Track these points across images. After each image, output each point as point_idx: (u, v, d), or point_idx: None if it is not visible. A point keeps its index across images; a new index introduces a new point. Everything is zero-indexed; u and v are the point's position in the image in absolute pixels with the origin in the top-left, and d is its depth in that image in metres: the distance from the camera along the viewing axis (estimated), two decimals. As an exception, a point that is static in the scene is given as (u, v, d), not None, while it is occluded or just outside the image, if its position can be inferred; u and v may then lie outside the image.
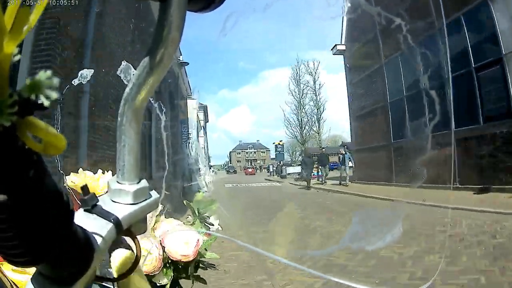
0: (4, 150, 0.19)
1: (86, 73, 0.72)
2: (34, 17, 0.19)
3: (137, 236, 0.38)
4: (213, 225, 0.89)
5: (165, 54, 0.29)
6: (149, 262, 0.72)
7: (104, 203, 0.33)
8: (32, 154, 0.20)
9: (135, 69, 0.33)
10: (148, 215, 0.75)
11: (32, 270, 0.29)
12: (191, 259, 0.77)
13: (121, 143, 0.33)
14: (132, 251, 0.41)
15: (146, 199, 0.35)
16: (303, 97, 34.14)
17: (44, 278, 0.28)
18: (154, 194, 0.36)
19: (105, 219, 0.32)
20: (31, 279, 0.29)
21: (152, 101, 0.61)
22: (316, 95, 34.67)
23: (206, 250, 0.84)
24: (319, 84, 35.06)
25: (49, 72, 0.19)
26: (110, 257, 0.43)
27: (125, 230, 0.34)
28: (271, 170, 37.35)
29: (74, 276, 0.29)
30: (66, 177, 0.76)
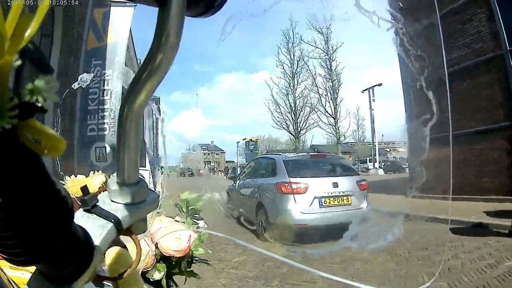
0: (5, 151, 0.19)
1: (86, 77, 0.73)
2: (35, 23, 0.19)
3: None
4: (202, 219, 0.92)
5: (164, 59, 0.29)
6: (142, 259, 0.74)
7: (104, 203, 0.34)
8: (32, 156, 0.21)
9: (134, 72, 0.33)
10: (148, 215, 0.76)
11: (32, 268, 0.30)
12: (183, 254, 0.79)
13: (120, 144, 0.33)
14: (126, 248, 0.42)
15: (145, 199, 0.36)
16: (298, 69, 22.48)
17: (44, 278, 0.29)
18: (154, 194, 0.37)
19: (105, 219, 0.32)
20: (31, 278, 0.30)
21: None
22: (329, 61, 22.09)
23: (199, 246, 0.86)
24: (332, 47, 22.42)
25: (49, 76, 0.19)
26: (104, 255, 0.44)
27: (125, 230, 0.34)
28: (237, 173, 28.59)
29: (74, 276, 0.29)
30: (66, 177, 0.77)
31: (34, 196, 0.22)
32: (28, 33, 0.19)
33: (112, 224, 0.32)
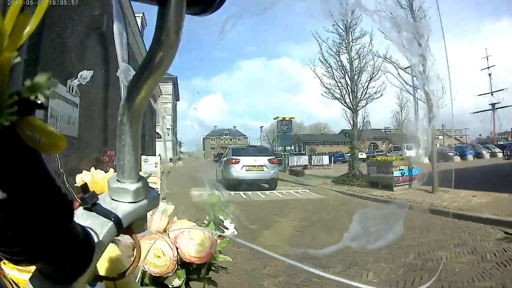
0: (4, 149, 0.19)
1: (86, 74, 0.73)
2: (34, 21, 0.19)
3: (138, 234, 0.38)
4: (227, 228, 0.87)
5: (164, 57, 0.29)
6: (163, 264, 0.71)
7: (104, 201, 0.34)
8: (32, 153, 0.21)
9: (134, 70, 0.33)
10: (158, 215, 0.75)
11: (33, 268, 0.30)
12: (204, 261, 0.76)
13: (120, 142, 0.33)
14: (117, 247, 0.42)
15: (146, 198, 0.36)
16: (353, 23, 14.36)
17: (44, 277, 0.29)
18: (154, 193, 0.37)
19: (105, 217, 0.32)
20: (31, 277, 0.30)
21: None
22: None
23: (220, 252, 0.83)
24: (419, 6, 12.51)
25: (48, 73, 0.19)
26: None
27: (125, 229, 0.34)
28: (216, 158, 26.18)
29: (74, 275, 0.29)
30: (77, 176, 0.76)
31: (33, 194, 0.22)
32: (27, 30, 0.19)
33: (112, 222, 0.32)
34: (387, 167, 10.64)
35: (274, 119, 26.11)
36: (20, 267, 0.51)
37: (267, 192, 11.55)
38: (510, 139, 41.00)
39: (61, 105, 5.98)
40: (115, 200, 0.34)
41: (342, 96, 15.08)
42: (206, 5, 0.31)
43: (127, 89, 0.32)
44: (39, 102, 0.19)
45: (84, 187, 0.33)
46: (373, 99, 15.12)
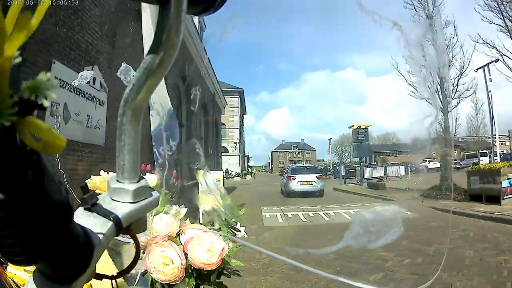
0: (4, 149, 0.19)
1: (86, 74, 0.73)
2: (35, 21, 0.19)
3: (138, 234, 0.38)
4: (239, 231, 0.87)
5: (165, 57, 0.29)
6: (171, 272, 0.71)
7: (104, 201, 0.34)
8: (32, 153, 0.21)
9: (135, 70, 0.33)
10: (171, 219, 0.74)
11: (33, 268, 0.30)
12: (214, 267, 0.75)
13: (121, 143, 0.33)
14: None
15: (146, 198, 0.36)
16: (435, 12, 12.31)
17: (44, 277, 0.29)
18: (154, 193, 0.37)
19: (105, 217, 0.32)
20: (30, 277, 0.29)
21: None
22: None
23: (230, 257, 0.81)
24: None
25: (48, 74, 0.19)
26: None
27: (125, 229, 0.34)
28: (342, 173, 23.29)
29: (73, 275, 0.29)
30: (90, 178, 0.75)
31: (33, 194, 0.22)
32: (28, 31, 0.19)
33: (112, 222, 0.32)
34: (493, 175, 8.88)
35: (349, 127, 24.78)
36: (27, 268, 0.51)
37: (351, 210, 9.86)
38: None
39: (79, 102, 4.83)
40: (115, 200, 0.34)
41: (432, 96, 12.37)
42: (207, 6, 0.31)
43: (127, 90, 0.32)
44: (39, 102, 0.19)
45: (84, 187, 0.33)
46: (465, 97, 13.50)
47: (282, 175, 20.55)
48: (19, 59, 0.19)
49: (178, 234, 0.77)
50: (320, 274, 0.56)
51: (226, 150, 37.47)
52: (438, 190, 11.94)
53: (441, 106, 12.71)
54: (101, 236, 0.31)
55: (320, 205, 11.20)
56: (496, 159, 13.00)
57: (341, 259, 4.77)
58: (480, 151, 27.39)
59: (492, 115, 13.28)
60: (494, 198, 8.60)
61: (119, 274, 0.38)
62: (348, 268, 4.49)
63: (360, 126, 22.82)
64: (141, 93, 0.31)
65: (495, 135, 13.43)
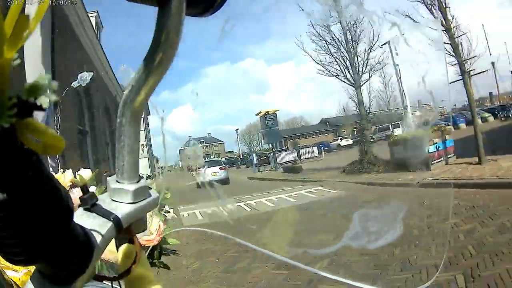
0: (4, 150, 0.19)
1: (86, 76, 0.73)
2: (34, 23, 0.19)
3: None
4: (169, 212, 0.94)
5: (164, 58, 0.29)
6: (112, 249, 0.74)
7: (104, 202, 0.34)
8: (31, 155, 0.21)
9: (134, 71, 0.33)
10: (148, 214, 0.77)
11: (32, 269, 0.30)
12: (154, 243, 0.81)
13: (120, 143, 0.33)
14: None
15: (145, 198, 0.36)
16: None
17: (43, 277, 0.29)
18: (154, 193, 0.37)
19: (104, 218, 0.32)
20: (30, 278, 0.30)
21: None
22: None
23: (169, 236, 0.89)
24: None
25: (48, 75, 0.19)
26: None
27: (125, 229, 0.34)
28: (254, 162, 23.03)
29: (73, 275, 0.29)
30: (76, 173, 0.77)
31: (33, 195, 0.22)
32: (27, 32, 0.19)
33: (111, 223, 0.32)
34: (419, 142, 9.16)
35: (256, 115, 24.02)
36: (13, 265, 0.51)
37: (273, 197, 9.55)
38: (488, 104, 38.94)
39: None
40: (114, 200, 0.34)
41: (342, 72, 12.90)
42: (206, 6, 0.31)
43: (126, 90, 0.32)
44: (38, 104, 0.19)
45: (84, 187, 0.33)
46: (376, 70, 13.27)
47: (192, 171, 19.86)
48: (18, 61, 0.19)
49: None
50: (317, 273, 0.56)
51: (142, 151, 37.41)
52: (359, 165, 11.80)
53: (353, 81, 12.72)
54: (101, 237, 0.31)
55: (238, 197, 10.17)
56: (410, 129, 13.00)
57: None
58: (393, 123, 27.59)
59: (402, 88, 13.49)
60: (422, 165, 8.28)
61: (120, 276, 0.38)
62: (292, 258, 4.09)
63: (268, 111, 22.12)
64: (140, 94, 0.31)
65: (406, 106, 13.56)
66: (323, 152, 25.59)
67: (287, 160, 21.89)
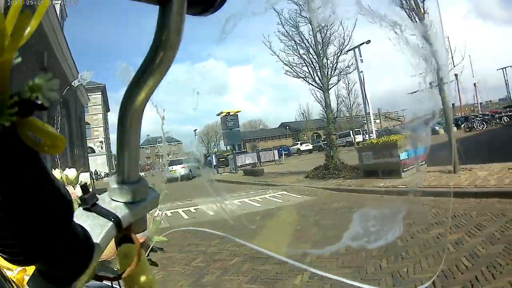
0: (5, 149, 0.19)
1: (86, 75, 0.72)
2: (34, 21, 0.19)
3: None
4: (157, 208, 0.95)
5: (165, 57, 0.29)
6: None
7: (104, 202, 0.34)
8: (32, 154, 0.21)
9: (134, 70, 0.33)
10: (148, 213, 0.77)
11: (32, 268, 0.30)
12: (142, 241, 0.79)
13: (120, 143, 0.33)
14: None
15: (146, 198, 0.36)
16: None
17: (43, 277, 0.29)
18: (154, 193, 0.37)
19: (105, 217, 0.32)
20: (30, 278, 0.29)
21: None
22: None
23: (154, 234, 0.89)
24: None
25: (49, 74, 0.19)
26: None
27: (125, 229, 0.34)
28: (214, 163, 22.66)
29: (73, 275, 0.29)
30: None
31: (33, 194, 0.22)
32: (28, 31, 0.19)
33: (112, 223, 0.32)
34: (390, 149, 8.61)
35: (217, 115, 23.09)
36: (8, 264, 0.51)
37: (235, 201, 8.75)
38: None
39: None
40: (114, 200, 0.34)
41: (311, 75, 12.50)
42: (207, 5, 0.31)
43: (126, 90, 0.31)
44: (39, 102, 0.19)
45: (84, 187, 0.33)
46: (346, 74, 13.21)
47: (146, 170, 19.40)
48: (19, 60, 0.19)
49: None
50: (317, 273, 0.56)
51: (93, 151, 36.02)
52: (324, 170, 11.55)
53: (321, 84, 12.33)
54: (101, 237, 0.31)
55: (195, 200, 9.48)
56: (371, 135, 13.11)
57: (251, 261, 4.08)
58: (355, 130, 28.09)
59: (365, 95, 13.38)
60: (393, 172, 8.35)
61: (120, 276, 0.38)
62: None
63: (229, 112, 21.28)
64: (141, 94, 0.31)
65: (369, 113, 13.47)
66: (283, 156, 25.46)
67: (247, 162, 21.67)
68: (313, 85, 12.66)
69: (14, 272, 0.58)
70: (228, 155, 22.49)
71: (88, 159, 22.68)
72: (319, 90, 12.63)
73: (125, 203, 0.34)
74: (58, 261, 0.27)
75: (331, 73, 12.55)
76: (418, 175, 7.88)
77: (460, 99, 37.51)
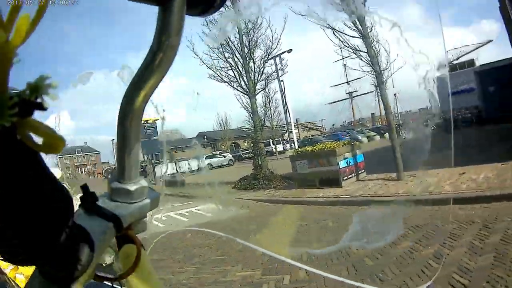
0: (5, 149, 0.19)
1: (87, 75, 0.72)
2: (34, 22, 0.19)
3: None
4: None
5: (164, 58, 0.29)
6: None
7: (104, 202, 0.34)
8: (32, 154, 0.21)
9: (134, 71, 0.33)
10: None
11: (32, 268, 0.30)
12: None
13: (121, 144, 0.33)
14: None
15: (146, 198, 0.36)
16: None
17: (43, 277, 0.29)
18: (154, 193, 0.37)
19: (105, 218, 0.32)
20: (30, 278, 0.30)
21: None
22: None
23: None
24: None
25: (49, 75, 0.19)
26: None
27: (125, 229, 0.34)
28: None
29: (73, 275, 0.29)
30: None
31: (33, 194, 0.22)
32: (28, 32, 0.19)
33: (112, 223, 0.32)
34: (328, 157, 8.03)
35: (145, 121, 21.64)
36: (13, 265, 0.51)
37: (160, 215, 6.14)
38: (368, 125, 42.66)
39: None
40: (115, 200, 0.34)
41: (236, 79, 11.61)
42: (207, 6, 0.31)
43: (126, 91, 0.31)
44: (39, 103, 0.19)
45: (84, 187, 0.33)
46: (274, 79, 12.65)
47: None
48: (19, 60, 0.19)
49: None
50: (320, 274, 0.55)
51: None
52: (254, 180, 10.70)
53: (247, 89, 11.46)
54: (101, 237, 0.31)
55: None
56: (293, 145, 12.79)
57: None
58: (276, 139, 27.69)
59: (286, 104, 13.24)
60: (332, 181, 7.74)
61: (121, 277, 0.38)
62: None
63: (148, 120, 20.48)
64: (141, 94, 0.31)
65: (290, 122, 13.33)
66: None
67: (167, 173, 19.76)
68: (238, 90, 11.84)
69: (7, 269, 0.58)
70: (146, 165, 21.15)
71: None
72: (245, 96, 11.89)
73: (125, 203, 0.34)
74: (58, 261, 0.27)
75: (258, 78, 11.80)
76: (359, 184, 7.54)
77: (380, 109, 38.46)
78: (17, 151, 0.20)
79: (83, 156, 63.02)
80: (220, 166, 23.73)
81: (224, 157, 22.35)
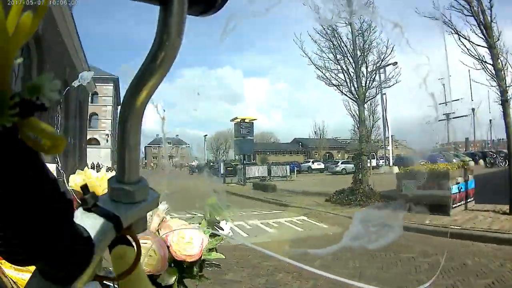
0: (5, 150, 0.19)
1: (87, 75, 0.72)
2: (35, 21, 0.19)
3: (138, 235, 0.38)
4: (222, 229, 0.87)
5: (165, 58, 0.29)
6: (154, 262, 0.72)
7: (104, 202, 0.34)
8: (32, 154, 0.21)
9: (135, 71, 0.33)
10: (149, 215, 0.76)
11: (32, 268, 0.30)
12: (195, 259, 0.76)
13: (121, 143, 0.33)
14: (132, 246, 0.42)
15: (146, 198, 0.36)
16: None
17: (43, 277, 0.29)
18: (154, 194, 0.37)
19: (105, 218, 0.32)
20: (30, 278, 0.29)
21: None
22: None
23: (213, 250, 0.83)
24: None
25: (50, 75, 0.19)
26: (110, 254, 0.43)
27: (125, 229, 0.34)
28: (221, 172, 21.01)
29: (73, 275, 0.29)
30: (70, 177, 0.76)
31: (33, 194, 0.22)
32: (29, 31, 0.19)
33: (112, 223, 0.32)
34: (439, 179, 6.93)
35: (231, 120, 21.72)
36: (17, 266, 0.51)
37: (243, 223, 6.87)
38: (462, 149, 40.11)
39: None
40: (115, 200, 0.34)
41: (347, 83, 10.61)
42: (208, 6, 0.31)
43: (127, 90, 0.31)
44: (40, 103, 0.19)
45: (84, 187, 0.33)
46: (385, 87, 11.70)
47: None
48: (20, 60, 0.19)
49: (158, 230, 0.79)
50: (323, 275, 0.55)
51: (98, 142, 35.12)
52: (351, 195, 9.78)
53: (356, 96, 10.63)
54: (101, 237, 0.31)
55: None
56: (388, 163, 11.75)
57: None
58: (370, 154, 26.62)
59: (386, 118, 12.74)
60: (441, 208, 6.69)
61: (120, 276, 0.38)
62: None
63: (245, 119, 19.77)
64: (142, 94, 0.31)
65: (388, 138, 12.52)
66: (294, 172, 23.95)
67: (255, 175, 19.96)
68: (347, 95, 10.95)
69: (7, 270, 0.58)
70: (237, 164, 20.75)
71: (86, 151, 21.08)
72: (354, 102, 10.94)
73: (125, 203, 0.34)
74: (58, 261, 0.27)
75: (369, 84, 10.79)
76: (468, 213, 6.58)
77: (474, 134, 37.01)
78: (18, 151, 0.20)
79: (172, 148, 61.79)
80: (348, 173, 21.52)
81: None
